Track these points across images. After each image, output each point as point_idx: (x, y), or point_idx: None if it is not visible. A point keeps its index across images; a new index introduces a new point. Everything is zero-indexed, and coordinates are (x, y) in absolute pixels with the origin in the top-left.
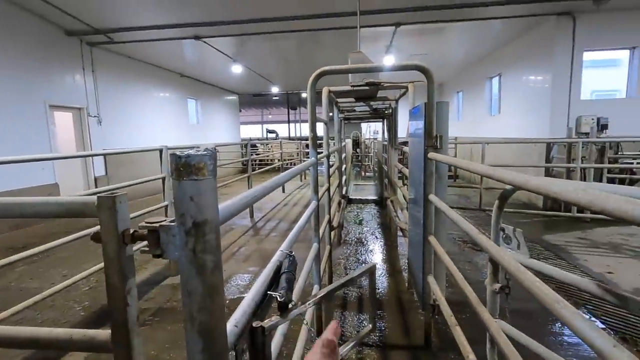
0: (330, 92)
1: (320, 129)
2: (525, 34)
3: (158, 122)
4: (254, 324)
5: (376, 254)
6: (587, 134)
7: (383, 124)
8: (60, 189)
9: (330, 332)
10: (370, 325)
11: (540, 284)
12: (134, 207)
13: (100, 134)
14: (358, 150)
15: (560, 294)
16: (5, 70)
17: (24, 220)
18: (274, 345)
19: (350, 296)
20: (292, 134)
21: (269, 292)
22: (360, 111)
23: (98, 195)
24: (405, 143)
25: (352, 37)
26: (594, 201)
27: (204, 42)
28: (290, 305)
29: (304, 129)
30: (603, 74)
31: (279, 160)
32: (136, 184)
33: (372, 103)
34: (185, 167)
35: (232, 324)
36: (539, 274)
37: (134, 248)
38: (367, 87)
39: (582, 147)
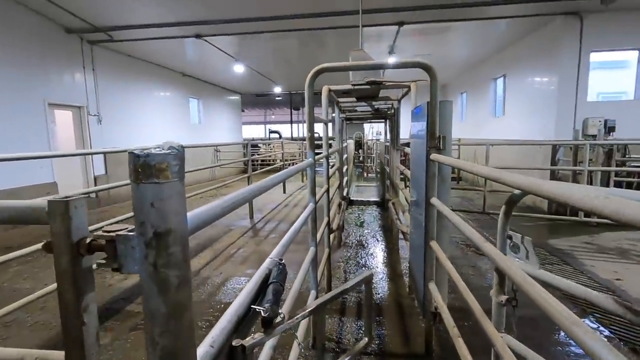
0: (330, 91)
1: (320, 129)
2: (531, 34)
3: (159, 122)
4: (233, 343)
5: (377, 257)
6: (594, 136)
7: (385, 125)
8: (59, 187)
9: None
10: (367, 339)
11: (552, 301)
12: (127, 207)
13: (100, 132)
14: (360, 151)
15: (566, 302)
16: (4, 68)
17: None
18: None
19: (348, 301)
20: (295, 135)
21: (252, 306)
22: (361, 111)
23: (49, 200)
24: (407, 144)
25: (355, 38)
26: (621, 210)
27: (205, 40)
28: (276, 320)
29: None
30: (609, 75)
31: (280, 160)
32: (125, 185)
33: (373, 103)
34: (145, 168)
35: (208, 343)
36: (547, 284)
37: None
38: (368, 87)
39: (589, 149)
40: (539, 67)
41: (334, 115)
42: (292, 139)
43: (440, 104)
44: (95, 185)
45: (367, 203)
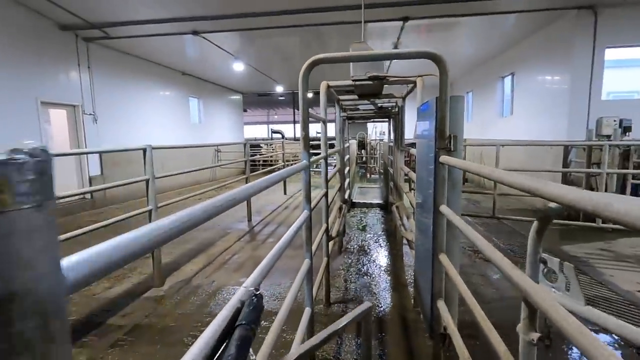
0: (329, 87)
1: (319, 129)
2: (541, 30)
3: (158, 121)
4: None
5: (379, 265)
6: (608, 136)
7: (389, 124)
8: None
9: None
10: None
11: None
12: (124, 208)
13: (95, 132)
14: (363, 151)
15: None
16: None
17: None
18: None
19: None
20: (298, 135)
21: None
22: (364, 110)
23: None
24: (412, 144)
25: (358, 35)
26: None
27: (203, 37)
28: None
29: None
30: (620, 74)
31: (281, 161)
32: (116, 186)
33: (376, 101)
34: None
35: None
36: (586, 320)
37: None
38: (370, 82)
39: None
40: (550, 65)
41: (334, 114)
42: (295, 139)
43: (451, 100)
44: (90, 186)
45: (370, 205)
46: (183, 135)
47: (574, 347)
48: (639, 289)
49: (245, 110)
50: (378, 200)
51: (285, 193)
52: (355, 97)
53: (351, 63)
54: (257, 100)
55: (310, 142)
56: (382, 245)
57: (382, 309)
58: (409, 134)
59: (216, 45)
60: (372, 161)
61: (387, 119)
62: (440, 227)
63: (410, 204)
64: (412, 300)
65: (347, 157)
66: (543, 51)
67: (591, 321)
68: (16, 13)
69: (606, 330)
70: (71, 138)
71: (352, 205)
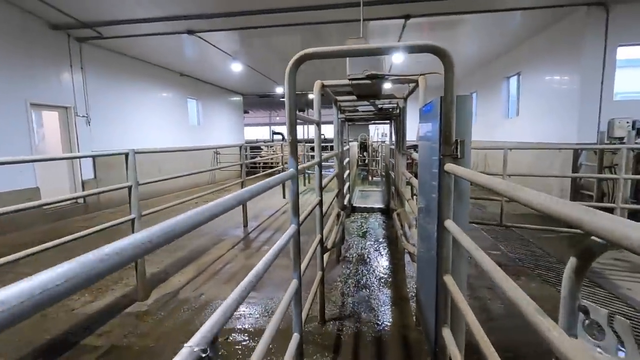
0: (324, 87)
1: (330, 130)
2: (549, 28)
3: (155, 123)
4: None
5: (379, 276)
6: (621, 138)
7: (390, 126)
8: (42, 193)
9: None
10: None
11: None
12: (117, 212)
13: (89, 134)
14: (365, 153)
15: None
16: None
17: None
18: None
19: (344, 334)
20: (300, 137)
21: None
22: (363, 111)
23: None
24: (414, 146)
25: (358, 34)
26: None
27: (199, 37)
28: None
29: (312, 131)
30: (633, 73)
31: (281, 163)
32: (97, 193)
33: (377, 102)
34: None
35: None
36: None
37: None
38: (368, 81)
39: (616, 154)
40: (559, 64)
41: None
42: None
43: (458, 100)
44: (83, 190)
45: (371, 210)
46: (181, 137)
47: None
48: None
49: (246, 112)
50: (379, 205)
51: (284, 197)
52: (354, 97)
53: (348, 61)
54: (258, 101)
55: (309, 144)
56: (382, 254)
57: (382, 326)
58: (411, 136)
59: (213, 45)
60: (374, 163)
61: (387, 121)
62: (446, 245)
63: (413, 211)
64: (414, 319)
65: (346, 160)
66: (551, 50)
67: None
68: (4, 12)
69: None
70: (63, 140)
71: (353, 209)
